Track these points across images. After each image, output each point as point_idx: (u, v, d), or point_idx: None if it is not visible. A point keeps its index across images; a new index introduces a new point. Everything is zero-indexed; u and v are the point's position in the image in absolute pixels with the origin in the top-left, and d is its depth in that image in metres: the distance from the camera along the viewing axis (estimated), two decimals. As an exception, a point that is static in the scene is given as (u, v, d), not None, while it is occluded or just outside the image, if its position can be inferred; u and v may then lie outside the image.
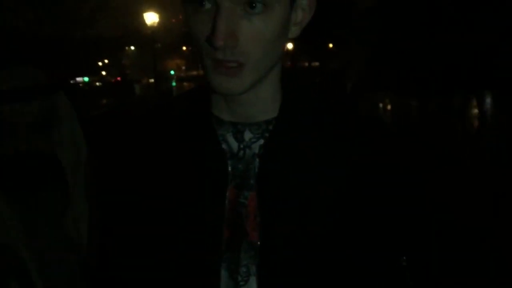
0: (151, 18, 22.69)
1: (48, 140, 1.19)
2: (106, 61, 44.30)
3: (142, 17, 23.20)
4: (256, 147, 0.82)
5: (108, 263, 0.87)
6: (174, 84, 39.32)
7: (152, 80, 30.33)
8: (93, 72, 40.13)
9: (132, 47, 44.46)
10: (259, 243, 0.79)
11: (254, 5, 0.71)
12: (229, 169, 0.81)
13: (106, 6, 29.43)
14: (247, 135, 0.82)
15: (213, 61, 0.74)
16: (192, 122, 0.84)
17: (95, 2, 28.67)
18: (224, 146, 0.82)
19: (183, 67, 66.76)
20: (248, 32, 0.73)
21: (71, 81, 31.87)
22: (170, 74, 44.72)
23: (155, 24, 23.01)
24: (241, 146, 0.82)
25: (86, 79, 40.80)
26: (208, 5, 0.72)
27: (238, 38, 0.72)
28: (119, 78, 42.28)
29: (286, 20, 0.77)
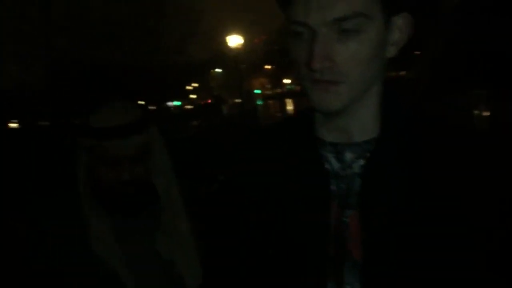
0: (234, 40, 23.44)
1: (144, 170, 1.30)
2: (195, 84, 46.30)
3: (227, 40, 24.02)
4: (356, 167, 0.84)
5: (215, 273, 0.94)
6: (259, 102, 39.98)
7: (238, 100, 31.18)
8: (184, 95, 42.14)
9: (219, 70, 46.04)
10: (362, 261, 0.80)
11: (348, 29, 0.76)
12: (332, 188, 0.84)
13: (194, 32, 30.97)
14: (348, 156, 0.85)
15: (312, 81, 0.79)
16: (298, 143, 0.88)
17: (184, 29, 30.30)
18: (326, 166, 0.85)
19: (268, 86, 67.71)
20: (343, 54, 0.77)
21: (164, 106, 33.69)
22: (256, 93, 45.57)
23: (239, 46, 23.72)
24: (343, 166, 0.85)
25: (177, 103, 42.97)
26: (307, 34, 0.78)
27: (334, 60, 0.77)
28: (208, 101, 43.95)
29: (382, 41, 0.80)
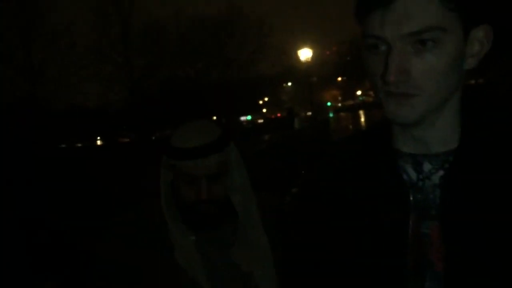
0: (305, 54, 23.50)
1: (223, 187, 1.31)
2: (266, 98, 46.85)
3: (297, 53, 24.16)
4: (436, 178, 0.82)
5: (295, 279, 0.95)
6: (331, 115, 39.56)
7: (309, 113, 31.11)
8: (255, 110, 42.76)
9: (289, 83, 46.27)
10: (444, 272, 0.79)
11: (425, 42, 0.75)
12: (411, 198, 0.83)
13: (264, 47, 31.47)
14: (427, 167, 0.84)
15: (386, 94, 0.79)
16: (375, 155, 0.88)
17: (255, 44, 30.90)
18: (404, 177, 0.84)
19: (339, 98, 66.94)
20: (419, 67, 0.76)
21: (236, 120, 34.36)
22: (327, 105, 45.23)
23: (309, 59, 23.74)
24: (421, 177, 0.83)
25: (249, 117, 43.68)
26: (382, 47, 0.77)
27: (410, 73, 0.76)
28: (279, 114, 44.25)
29: (460, 53, 0.78)
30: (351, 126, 30.91)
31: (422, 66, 0.76)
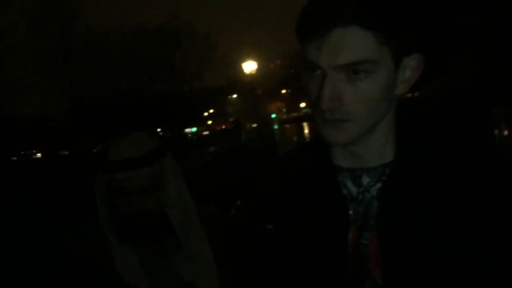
0: (249, 66, 23.72)
1: (158, 200, 1.30)
2: (211, 110, 46.70)
3: (242, 66, 24.34)
4: (374, 191, 0.85)
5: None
6: (276, 127, 40.01)
7: (255, 125, 31.36)
8: (200, 122, 42.49)
9: (235, 95, 46.43)
10: (383, 282, 0.81)
11: (357, 72, 0.78)
12: (350, 212, 0.85)
13: (210, 59, 31.43)
14: (365, 180, 0.86)
15: (321, 118, 0.82)
16: (314, 170, 0.91)
17: (200, 56, 30.79)
18: (344, 191, 0.86)
19: (284, 110, 67.80)
20: (352, 95, 0.79)
21: (181, 132, 34.01)
22: (272, 117, 45.69)
23: (254, 72, 23.97)
24: (360, 190, 0.86)
25: (194, 129, 43.27)
26: (318, 71, 0.81)
27: (342, 100, 0.79)
28: (224, 126, 44.21)
29: (392, 81, 0.81)
30: (295, 138, 31.41)
31: (355, 94, 0.79)
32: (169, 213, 1.33)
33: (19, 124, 21.41)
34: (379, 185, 0.85)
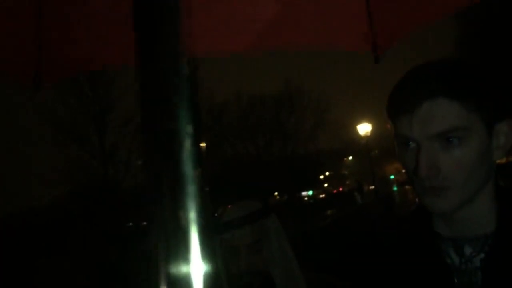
0: (364, 128, 23.50)
1: (261, 258, 1.37)
2: (327, 173, 46.53)
3: (356, 128, 24.21)
4: (477, 261, 0.84)
5: None
6: (395, 188, 38.42)
7: (372, 187, 30.45)
8: (316, 184, 42.45)
9: (350, 157, 45.96)
10: None
11: (450, 140, 0.80)
12: (455, 281, 0.85)
13: (324, 121, 31.86)
14: (467, 250, 0.86)
15: (422, 187, 0.84)
16: (417, 239, 0.92)
17: (314, 119, 31.40)
18: (448, 260, 0.87)
19: (403, 171, 64.97)
20: (447, 162, 0.81)
21: (297, 196, 34.16)
22: (390, 178, 44.13)
23: (369, 133, 23.67)
24: (462, 260, 0.86)
25: (310, 192, 43.32)
26: (412, 145, 0.84)
27: (439, 168, 0.81)
28: (341, 189, 43.59)
29: (486, 146, 0.82)
30: (417, 199, 29.71)
31: (450, 160, 0.81)
32: (273, 272, 1.39)
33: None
34: (482, 255, 0.84)
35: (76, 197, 23.45)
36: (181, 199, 0.33)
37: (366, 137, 23.58)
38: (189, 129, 0.32)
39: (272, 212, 1.45)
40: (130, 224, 23.71)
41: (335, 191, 43.78)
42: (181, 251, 0.34)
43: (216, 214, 1.49)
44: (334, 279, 1.48)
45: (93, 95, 23.16)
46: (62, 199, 24.49)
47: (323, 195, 43.53)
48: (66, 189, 24.40)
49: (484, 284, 0.82)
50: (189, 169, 0.32)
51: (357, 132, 24.10)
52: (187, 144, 0.32)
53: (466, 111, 0.80)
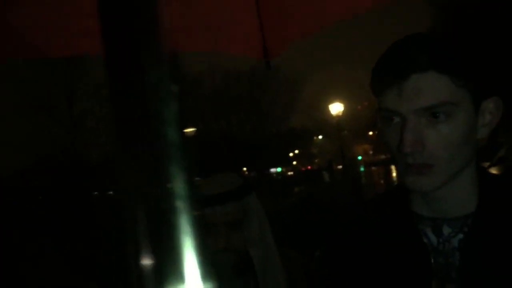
0: (336, 108, 23.66)
1: (241, 238, 1.34)
2: (296, 151, 46.90)
3: (328, 108, 24.37)
4: (455, 241, 0.84)
5: None
6: (362, 169, 39.16)
7: (340, 167, 30.92)
8: (286, 162, 42.77)
9: (320, 136, 46.37)
10: None
11: (437, 115, 0.78)
12: (432, 261, 0.84)
13: (296, 101, 31.97)
14: (446, 230, 0.85)
15: (405, 165, 0.81)
16: (394, 218, 0.90)
17: (287, 99, 31.41)
18: (425, 240, 0.86)
19: (371, 152, 66.21)
20: (433, 138, 0.79)
21: (266, 172, 34.40)
22: (358, 159, 44.85)
23: (340, 113, 23.87)
24: (440, 240, 0.85)
25: (279, 169, 43.64)
26: (396, 119, 0.81)
27: (424, 144, 0.79)
28: (309, 167, 44.08)
29: (472, 123, 0.81)
30: (382, 181, 30.44)
31: (436, 137, 0.79)
32: (251, 252, 1.36)
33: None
34: (460, 236, 0.84)
35: (42, 166, 22.98)
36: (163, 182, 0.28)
37: (337, 116, 23.79)
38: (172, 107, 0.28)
39: (252, 190, 1.41)
40: (96, 193, 23.45)
41: (303, 169, 44.24)
42: (172, 267, 0.28)
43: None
44: (299, 255, 1.49)
45: (62, 60, 22.50)
46: (27, 168, 23.93)
47: (292, 173, 43.91)
48: (31, 158, 23.87)
49: (461, 265, 0.82)
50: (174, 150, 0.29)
51: (328, 112, 24.28)
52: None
53: (455, 86, 0.78)
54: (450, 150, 0.79)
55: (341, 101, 23.95)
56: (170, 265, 0.28)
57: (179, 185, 0.30)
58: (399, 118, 0.81)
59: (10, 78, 21.40)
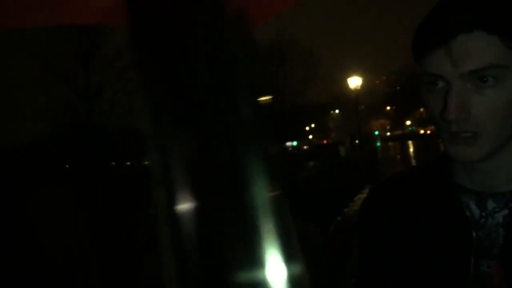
0: (354, 82, 23.37)
1: None
2: (312, 125, 46.79)
3: (346, 82, 24.10)
4: (499, 217, 0.80)
5: None
6: (379, 144, 39.02)
7: (357, 141, 30.81)
8: (301, 136, 42.77)
9: (337, 111, 46.11)
10: None
11: (485, 79, 0.73)
12: (473, 235, 0.81)
13: (313, 76, 31.68)
14: (490, 204, 0.82)
15: (449, 133, 0.77)
16: (436, 189, 0.87)
17: (303, 74, 31.17)
18: (467, 213, 0.83)
19: (388, 127, 65.83)
20: (480, 104, 0.74)
21: (282, 146, 34.44)
22: (375, 134, 44.60)
23: (358, 87, 23.59)
24: (483, 214, 0.82)
25: (295, 143, 43.69)
26: (440, 84, 0.76)
27: (470, 111, 0.74)
28: (325, 142, 43.97)
29: None
30: (399, 156, 30.26)
31: (483, 103, 0.74)
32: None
33: (136, 134, 23.09)
34: (505, 211, 0.80)
35: (58, 135, 23.29)
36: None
37: (355, 90, 23.53)
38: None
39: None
40: (113, 163, 23.76)
41: (319, 144, 44.19)
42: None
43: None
44: (314, 228, 1.45)
45: (80, 29, 22.51)
46: (43, 137, 24.28)
47: (307, 147, 43.93)
48: (48, 128, 24.17)
49: (505, 241, 0.78)
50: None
51: (347, 85, 24.02)
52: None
53: (506, 48, 0.72)
54: (498, 117, 0.75)
55: (359, 75, 23.66)
56: (251, 248, 0.27)
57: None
58: (443, 83, 0.76)
59: (27, 46, 21.52)
